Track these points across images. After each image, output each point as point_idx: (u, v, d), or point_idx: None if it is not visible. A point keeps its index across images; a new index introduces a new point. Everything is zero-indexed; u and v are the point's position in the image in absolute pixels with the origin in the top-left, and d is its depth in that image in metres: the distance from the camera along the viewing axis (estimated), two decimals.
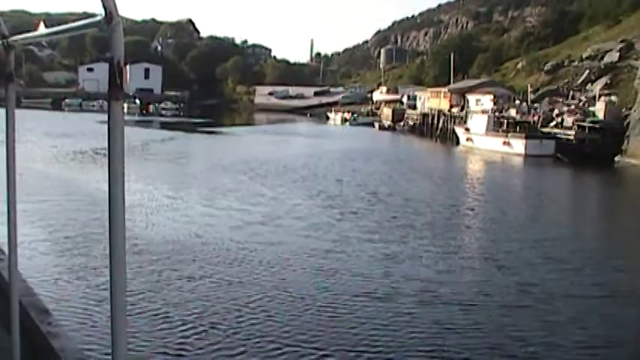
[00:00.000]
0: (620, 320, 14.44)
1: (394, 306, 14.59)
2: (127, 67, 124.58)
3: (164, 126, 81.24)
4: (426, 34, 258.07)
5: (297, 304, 14.43)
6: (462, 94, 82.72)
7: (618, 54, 76.65)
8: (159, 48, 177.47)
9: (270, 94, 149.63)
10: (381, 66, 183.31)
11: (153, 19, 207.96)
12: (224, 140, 63.64)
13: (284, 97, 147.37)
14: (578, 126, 57.18)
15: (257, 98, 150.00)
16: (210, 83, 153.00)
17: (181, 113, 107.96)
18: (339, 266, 17.51)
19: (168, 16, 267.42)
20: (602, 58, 79.46)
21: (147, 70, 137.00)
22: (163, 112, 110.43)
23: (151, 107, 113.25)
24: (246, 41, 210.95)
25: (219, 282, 15.68)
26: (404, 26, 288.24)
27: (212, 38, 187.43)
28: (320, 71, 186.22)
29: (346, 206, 26.95)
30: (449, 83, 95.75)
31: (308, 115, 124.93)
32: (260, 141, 65.19)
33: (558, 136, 57.91)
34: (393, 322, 13.66)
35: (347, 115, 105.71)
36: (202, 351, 11.65)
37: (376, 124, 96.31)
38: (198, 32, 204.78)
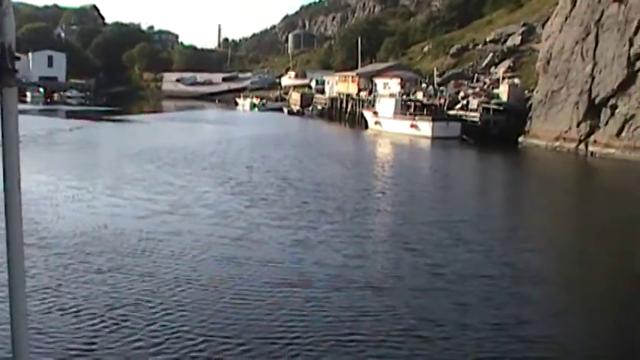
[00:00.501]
0: (530, 299, 14.67)
1: (306, 292, 14.39)
2: (30, 54, 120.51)
3: (70, 115, 78.71)
4: (333, 18, 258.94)
5: (207, 293, 14.07)
6: (370, 78, 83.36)
7: (520, 37, 78.75)
8: (62, 35, 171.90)
9: (178, 80, 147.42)
10: (289, 51, 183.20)
11: (55, 5, 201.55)
12: (132, 128, 62.21)
13: (192, 84, 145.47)
14: (483, 108, 58.37)
15: (165, 85, 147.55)
16: (116, 70, 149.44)
17: (87, 101, 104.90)
18: (249, 254, 17.20)
19: (72, 2, 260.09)
20: (505, 41, 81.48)
21: (50, 58, 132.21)
22: (68, 100, 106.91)
23: (56, 96, 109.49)
24: (152, 27, 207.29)
25: (128, 274, 15.14)
26: (312, 11, 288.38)
27: (117, 24, 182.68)
28: (228, 57, 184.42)
29: (256, 193, 26.64)
30: (357, 67, 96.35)
31: (216, 101, 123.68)
32: (168, 128, 64.10)
33: (464, 118, 58.95)
34: (305, 308, 13.47)
35: (256, 101, 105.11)
36: (113, 345, 11.23)
37: (285, 109, 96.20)
38: (102, 18, 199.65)
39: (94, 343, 11.31)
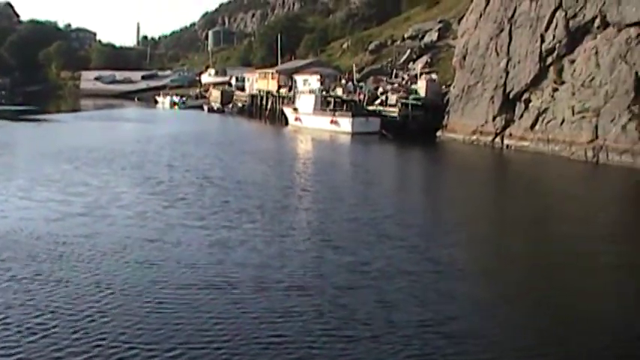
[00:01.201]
0: (454, 294, 14.58)
1: (228, 294, 13.90)
2: None
3: None
4: (253, 15, 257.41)
5: (127, 299, 13.43)
6: (290, 74, 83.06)
7: (437, 34, 79.78)
8: None
9: (97, 79, 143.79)
10: (209, 48, 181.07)
11: None
12: (49, 128, 60.11)
13: (111, 82, 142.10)
14: (402, 103, 58.73)
15: (83, 83, 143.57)
16: (32, 69, 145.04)
17: (2, 101, 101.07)
18: (167, 256, 16.53)
19: None
20: (423, 37, 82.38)
21: None
22: None
23: None
24: (69, 25, 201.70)
25: (36, 280, 14.35)
26: (231, 8, 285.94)
27: (33, 22, 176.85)
28: (147, 55, 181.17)
29: (175, 192, 25.86)
30: (277, 64, 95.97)
31: (136, 99, 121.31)
32: (87, 127, 62.28)
33: (383, 113, 59.27)
34: (229, 310, 13.01)
35: (176, 99, 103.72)
36: (33, 357, 10.71)
37: (205, 107, 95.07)
38: (17, 16, 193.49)
39: (11, 355, 10.75)
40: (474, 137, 51.67)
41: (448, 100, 56.85)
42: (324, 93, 66.46)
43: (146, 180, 28.93)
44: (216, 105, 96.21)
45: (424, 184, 33.70)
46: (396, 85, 66.41)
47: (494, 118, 50.47)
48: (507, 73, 50.00)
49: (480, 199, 28.65)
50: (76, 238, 18.05)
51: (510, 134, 48.89)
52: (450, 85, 58.97)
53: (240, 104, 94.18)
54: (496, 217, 24.99)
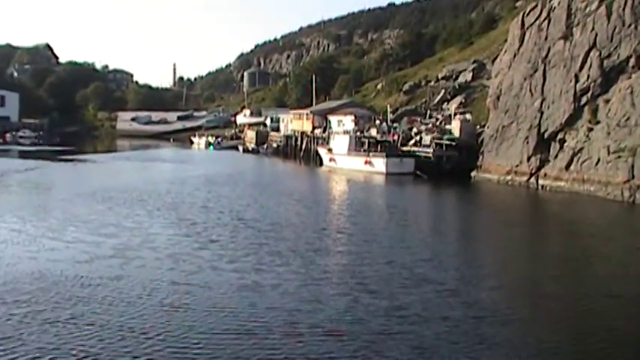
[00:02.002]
0: (497, 340, 14.05)
1: (258, 340, 13.54)
2: None
3: (23, 155, 76.83)
4: (288, 56, 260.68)
5: (152, 344, 13.24)
6: (324, 115, 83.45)
7: (471, 74, 79.78)
8: (15, 74, 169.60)
9: (133, 119, 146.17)
10: (244, 89, 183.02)
11: (8, 44, 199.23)
12: (85, 168, 60.86)
13: (147, 123, 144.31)
14: (436, 144, 58.60)
15: (119, 124, 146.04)
16: (70, 110, 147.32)
17: (41, 141, 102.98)
18: (196, 299, 16.29)
19: (25, 41, 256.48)
20: (457, 78, 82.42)
21: (2, 98, 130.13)
22: (21, 140, 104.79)
23: (8, 136, 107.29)
24: (106, 66, 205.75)
25: (72, 323, 14.20)
26: (266, 49, 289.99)
27: (71, 63, 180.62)
28: (183, 96, 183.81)
29: (208, 234, 25.74)
30: (311, 105, 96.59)
31: (171, 140, 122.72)
32: (122, 168, 62.86)
33: (417, 154, 59.13)
34: (258, 357, 12.70)
35: (211, 139, 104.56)
36: None
37: (240, 148, 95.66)
38: (56, 57, 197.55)
39: None
40: (509, 177, 51.07)
41: (482, 141, 56.42)
42: (358, 134, 66.46)
43: (180, 221, 28.91)
44: (251, 145, 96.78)
45: (460, 226, 33.21)
46: (430, 125, 66.34)
47: (528, 159, 49.89)
48: (542, 113, 49.51)
49: (517, 241, 28.02)
50: (105, 280, 17.89)
51: (545, 174, 48.22)
52: (484, 126, 58.57)
53: (275, 145, 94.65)
54: (534, 259, 24.37)
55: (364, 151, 62.03)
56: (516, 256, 24.29)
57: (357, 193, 46.85)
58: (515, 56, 54.41)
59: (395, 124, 70.26)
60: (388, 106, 77.14)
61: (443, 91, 79.66)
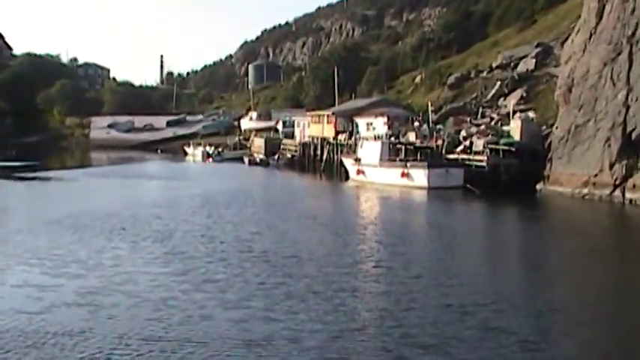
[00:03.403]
0: None
1: None
2: None
3: None
4: (303, 44, 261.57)
5: None
6: (350, 117, 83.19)
7: (534, 61, 79.12)
8: None
9: (111, 126, 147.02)
10: (249, 86, 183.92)
11: None
12: (51, 188, 61.01)
13: (128, 130, 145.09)
14: (491, 149, 58.15)
15: (93, 132, 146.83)
16: (29, 115, 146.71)
17: None
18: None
19: None
20: (516, 66, 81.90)
21: None
22: None
23: None
24: (75, 59, 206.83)
25: None
26: (276, 36, 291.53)
27: (30, 56, 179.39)
28: (173, 95, 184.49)
29: (206, 271, 25.36)
30: (333, 105, 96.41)
31: (159, 151, 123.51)
32: (98, 187, 62.96)
33: (467, 162, 58.89)
34: None
35: (209, 150, 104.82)
36: None
37: (246, 159, 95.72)
38: (10, 48, 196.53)
39: None
40: (586, 190, 50.38)
41: (550, 144, 55.81)
42: (392, 139, 66.17)
43: (170, 255, 28.55)
44: (259, 156, 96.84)
45: (528, 256, 32.37)
46: (482, 126, 65.79)
47: (611, 166, 49.12)
48: (627, 108, 48.80)
49: (607, 277, 27.13)
50: (61, 337, 17.40)
51: (634, 185, 47.50)
52: (552, 125, 57.96)
53: (288, 155, 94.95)
54: (626, 298, 23.70)
55: (400, 160, 61.76)
56: (609, 298, 23.51)
57: (393, 213, 46.49)
58: (591, 36, 53.75)
59: (438, 126, 70.05)
60: (429, 103, 76.73)
61: (498, 83, 79.11)
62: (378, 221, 42.27)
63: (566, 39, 62.62)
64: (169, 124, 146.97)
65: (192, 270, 25.68)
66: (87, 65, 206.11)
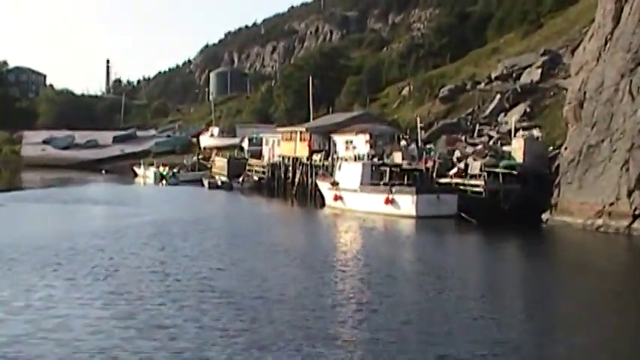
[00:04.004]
0: None
1: None
2: None
3: None
4: (273, 49, 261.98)
5: None
6: (327, 134, 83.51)
7: (540, 71, 79.48)
8: None
9: (46, 142, 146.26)
10: (210, 97, 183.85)
11: None
12: None
13: (67, 147, 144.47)
14: (489, 173, 58.18)
15: (26, 149, 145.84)
16: None
17: None
18: None
19: None
20: (519, 77, 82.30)
21: None
22: None
23: None
24: (5, 62, 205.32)
25: None
26: (242, 39, 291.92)
27: None
28: (121, 107, 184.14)
29: (156, 315, 25.07)
30: (308, 120, 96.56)
31: (103, 171, 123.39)
32: (30, 214, 62.68)
33: (462, 188, 59.17)
34: None
35: (163, 170, 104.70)
36: None
37: (206, 182, 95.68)
38: None
39: None
40: (600, 222, 50.45)
41: (558, 168, 56.04)
42: (375, 160, 66.53)
43: (114, 295, 28.18)
44: (221, 179, 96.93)
45: (531, 299, 32.08)
46: (480, 146, 65.89)
47: (630, 193, 49.26)
48: None
49: (623, 323, 27.05)
50: None
51: None
52: (560, 146, 58.23)
53: (255, 177, 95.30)
54: None
55: (384, 185, 62.04)
56: (633, 352, 23.37)
57: (376, 247, 46.26)
58: (606, 43, 54.07)
59: (429, 146, 70.39)
60: (418, 119, 76.53)
61: (498, 96, 79.42)
62: (359, 256, 41.91)
63: (578, 46, 62.98)
64: (116, 140, 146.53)
65: (139, 313, 25.33)
66: (19, 70, 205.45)
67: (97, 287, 29.89)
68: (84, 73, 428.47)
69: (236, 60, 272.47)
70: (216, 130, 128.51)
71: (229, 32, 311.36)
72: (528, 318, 27.72)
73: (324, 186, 70.23)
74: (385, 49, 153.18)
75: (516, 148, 60.16)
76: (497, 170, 58.13)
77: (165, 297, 28.06)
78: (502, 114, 76.67)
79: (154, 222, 54.19)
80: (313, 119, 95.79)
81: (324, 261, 38.84)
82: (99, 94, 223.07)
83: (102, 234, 47.42)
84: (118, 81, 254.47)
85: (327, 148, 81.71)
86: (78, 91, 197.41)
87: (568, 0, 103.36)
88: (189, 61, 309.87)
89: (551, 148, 60.82)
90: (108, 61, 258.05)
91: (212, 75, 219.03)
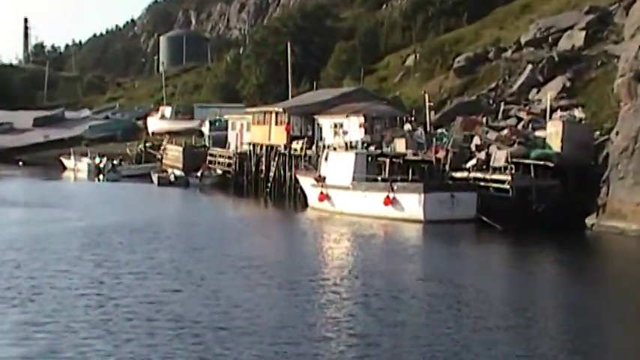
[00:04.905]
0: None
1: None
2: None
3: None
4: (241, 7, 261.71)
5: None
6: (310, 115, 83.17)
7: (584, 34, 79.29)
8: None
9: None
10: (161, 68, 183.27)
11: None
12: None
13: None
14: (517, 165, 58.00)
15: None
16: None
17: None
18: None
19: None
20: (557, 42, 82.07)
21: None
22: None
23: None
24: None
25: None
26: None
27: None
28: (44, 80, 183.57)
29: (90, 350, 24.78)
30: (286, 98, 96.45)
31: (21, 162, 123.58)
32: None
33: (483, 184, 59.12)
34: None
35: (100, 162, 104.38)
36: None
37: (155, 177, 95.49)
38: None
39: None
40: None
41: (607, 159, 55.97)
42: (372, 149, 66.61)
43: (31, 326, 27.87)
44: (174, 172, 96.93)
45: (578, 332, 31.94)
46: (505, 131, 65.55)
47: None
48: None
49: None
50: None
51: None
52: (609, 131, 58.26)
53: (219, 170, 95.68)
54: None
55: (383, 180, 62.03)
56: None
57: (373, 260, 45.97)
58: None
59: (440, 131, 70.47)
60: (427, 97, 76.41)
61: (530, 67, 79.28)
62: (353, 273, 41.80)
63: (634, 1, 62.75)
64: (38, 122, 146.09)
65: (65, 350, 25.11)
66: None
67: (10, 316, 29.63)
68: None
69: (193, 21, 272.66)
70: (168, 111, 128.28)
71: None
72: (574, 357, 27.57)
73: (306, 182, 70.37)
74: (384, 6, 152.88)
75: (553, 134, 60.05)
76: (527, 162, 57.89)
77: (102, 328, 27.82)
78: (534, 90, 76.50)
79: (88, 229, 54.10)
80: (292, 97, 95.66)
81: (308, 280, 38.77)
82: (14, 62, 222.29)
83: (19, 245, 47.24)
84: (40, 46, 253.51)
85: (310, 133, 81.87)
86: None
87: None
88: (132, 21, 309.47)
89: (597, 133, 60.85)
90: (26, 21, 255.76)
91: (162, 40, 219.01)
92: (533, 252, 49.18)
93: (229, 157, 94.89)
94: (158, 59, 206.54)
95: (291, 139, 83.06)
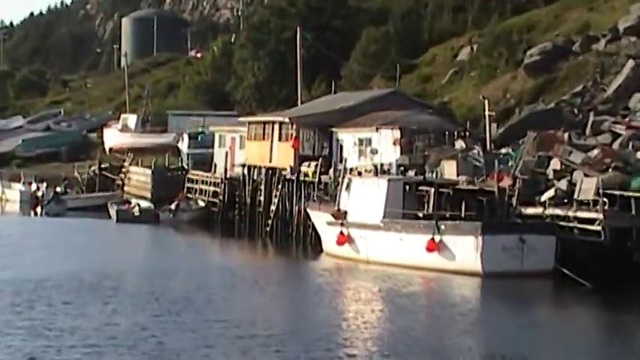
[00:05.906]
0: None
1: None
2: None
3: None
4: None
5: None
6: (327, 128, 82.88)
7: None
8: None
9: None
10: (123, 62, 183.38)
11: None
12: None
13: None
14: (612, 199, 57.62)
15: None
16: None
17: None
18: None
19: None
20: None
21: None
22: None
23: None
24: None
25: None
26: None
27: None
28: None
29: None
30: (295, 103, 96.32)
31: None
32: None
33: (564, 224, 58.72)
34: None
35: (38, 189, 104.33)
36: None
37: (113, 210, 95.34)
38: None
39: None
40: None
41: None
42: (411, 174, 66.46)
43: None
44: (140, 205, 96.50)
45: None
46: (596, 152, 65.33)
47: None
48: None
49: None
50: None
51: None
52: None
53: (200, 202, 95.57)
54: None
55: (426, 217, 61.82)
56: None
57: (416, 331, 45.63)
58: None
59: (505, 151, 70.39)
60: (487, 103, 76.27)
61: (631, 64, 79.06)
62: (390, 349, 41.47)
63: None
64: None
65: None
66: None
67: None
68: None
69: None
70: (132, 120, 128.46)
71: None
72: None
73: (321, 219, 70.30)
74: None
75: None
76: (627, 194, 57.55)
77: None
78: (637, 95, 76.21)
79: (19, 283, 54.07)
80: (302, 103, 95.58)
81: (324, 357, 38.39)
82: None
83: None
84: None
85: (326, 152, 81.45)
86: None
87: None
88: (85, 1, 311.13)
89: None
90: None
91: (125, 23, 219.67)
92: (633, 320, 48.76)
93: (215, 184, 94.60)
94: (119, 49, 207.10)
95: (301, 160, 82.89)
